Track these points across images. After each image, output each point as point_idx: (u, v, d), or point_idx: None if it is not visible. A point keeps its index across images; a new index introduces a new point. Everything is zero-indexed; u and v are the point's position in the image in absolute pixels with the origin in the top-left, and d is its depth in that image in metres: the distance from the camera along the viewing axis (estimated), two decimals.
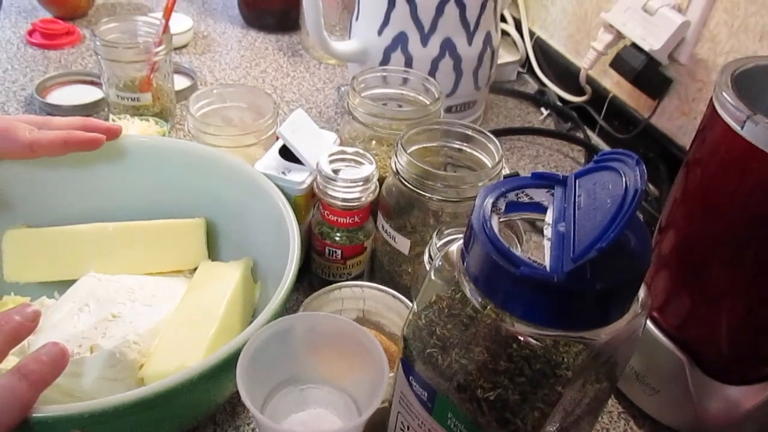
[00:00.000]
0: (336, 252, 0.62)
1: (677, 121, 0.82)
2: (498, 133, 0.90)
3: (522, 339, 0.32)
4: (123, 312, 0.53)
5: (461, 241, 0.36)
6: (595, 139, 0.94)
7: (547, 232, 0.33)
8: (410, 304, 0.54)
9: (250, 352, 0.37)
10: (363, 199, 0.59)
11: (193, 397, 0.45)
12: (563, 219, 0.33)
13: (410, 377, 0.38)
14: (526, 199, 0.36)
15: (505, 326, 0.33)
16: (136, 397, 0.40)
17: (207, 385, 0.44)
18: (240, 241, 0.61)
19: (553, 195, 0.35)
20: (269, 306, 0.47)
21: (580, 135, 0.94)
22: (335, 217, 0.60)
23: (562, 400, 0.34)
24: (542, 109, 1.00)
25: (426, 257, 0.53)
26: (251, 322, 0.45)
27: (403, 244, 0.60)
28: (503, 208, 0.35)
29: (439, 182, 0.56)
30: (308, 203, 0.62)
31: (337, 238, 0.61)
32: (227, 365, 0.43)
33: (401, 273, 0.63)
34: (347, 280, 0.63)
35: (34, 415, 0.39)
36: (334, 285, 0.54)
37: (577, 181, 0.35)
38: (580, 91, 0.96)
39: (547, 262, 0.31)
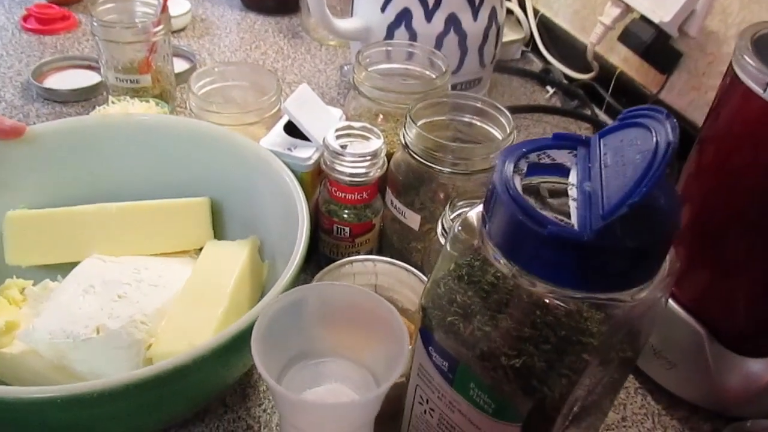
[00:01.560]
0: (344, 230, 0.60)
1: (687, 96, 0.81)
2: None
3: (548, 302, 0.31)
4: (129, 293, 0.51)
5: (480, 207, 0.34)
6: (603, 117, 0.93)
7: (572, 192, 0.32)
8: (424, 279, 0.52)
9: (264, 324, 0.36)
10: (371, 174, 0.57)
11: (203, 376, 0.44)
12: (589, 178, 0.32)
13: (429, 347, 0.37)
14: (548, 161, 0.34)
15: (530, 290, 0.31)
16: (147, 375, 0.39)
17: (217, 363, 0.43)
18: (247, 220, 0.60)
19: (575, 156, 0.34)
20: (279, 282, 0.46)
21: (587, 112, 0.93)
22: (343, 194, 0.58)
23: (589, 367, 0.32)
24: (548, 88, 0.99)
25: (439, 230, 0.51)
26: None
27: (413, 219, 0.59)
28: (525, 169, 0.34)
29: (449, 155, 0.54)
30: (314, 180, 0.61)
31: (345, 216, 0.60)
32: (238, 343, 0.42)
33: (411, 250, 0.61)
34: None
35: (42, 395, 0.38)
36: (345, 260, 0.53)
37: (601, 140, 0.33)
38: (586, 69, 0.94)
39: (574, 222, 0.30)
